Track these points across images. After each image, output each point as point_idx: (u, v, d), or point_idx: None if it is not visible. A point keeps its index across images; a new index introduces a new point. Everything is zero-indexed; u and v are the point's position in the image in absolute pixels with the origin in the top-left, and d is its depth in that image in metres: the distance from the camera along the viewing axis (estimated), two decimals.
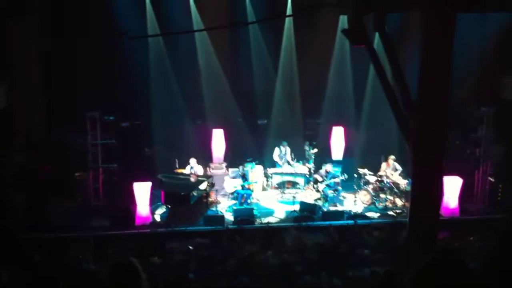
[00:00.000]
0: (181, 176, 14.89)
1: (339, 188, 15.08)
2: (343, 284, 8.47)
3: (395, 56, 7.05)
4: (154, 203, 14.82)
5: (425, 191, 6.25)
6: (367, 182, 15.38)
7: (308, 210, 14.12)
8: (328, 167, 15.24)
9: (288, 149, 16.23)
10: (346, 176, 15.19)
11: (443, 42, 5.99)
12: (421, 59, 6.05)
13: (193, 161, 15.26)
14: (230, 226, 13.19)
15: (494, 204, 14.98)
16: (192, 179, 14.36)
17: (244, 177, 15.13)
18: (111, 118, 14.87)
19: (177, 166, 15.56)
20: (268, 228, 13.06)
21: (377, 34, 7.92)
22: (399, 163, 15.33)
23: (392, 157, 15.33)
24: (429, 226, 6.31)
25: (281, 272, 8.67)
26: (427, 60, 6.02)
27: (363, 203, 15.08)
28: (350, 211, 14.40)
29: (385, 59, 7.43)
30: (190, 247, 10.88)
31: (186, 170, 15.18)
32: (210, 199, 14.96)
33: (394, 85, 6.94)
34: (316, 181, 15.25)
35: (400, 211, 14.50)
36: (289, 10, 16.84)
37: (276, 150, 16.30)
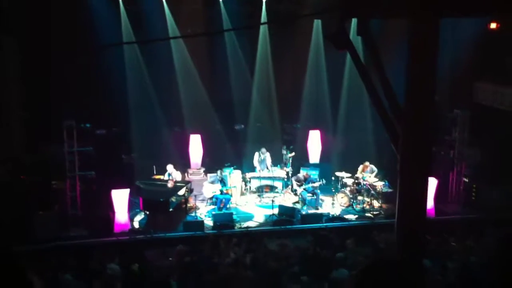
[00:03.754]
0: (159, 183, 14.87)
1: (318, 191, 15.22)
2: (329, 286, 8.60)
3: (380, 61, 7.17)
4: (132, 210, 14.79)
5: (413, 194, 6.40)
6: (344, 185, 15.57)
7: (287, 213, 14.21)
8: (305, 172, 15.42)
9: (268, 155, 16.32)
10: (324, 181, 15.36)
11: (429, 48, 6.14)
12: (407, 65, 6.18)
13: (170, 167, 15.26)
14: (209, 232, 13.27)
15: (468, 204, 15.29)
16: (170, 185, 14.35)
17: (222, 181, 15.18)
18: (87, 125, 14.78)
19: (155, 173, 15.55)
20: (249, 232, 13.11)
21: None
22: (376, 166, 15.61)
23: (367, 162, 15.60)
24: (417, 226, 6.46)
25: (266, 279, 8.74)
26: (413, 66, 6.16)
27: (341, 205, 15.25)
28: (328, 213, 14.53)
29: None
30: (170, 258, 10.88)
31: (165, 177, 15.17)
32: (189, 205, 14.96)
33: (380, 89, 7.07)
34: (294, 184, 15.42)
35: (377, 212, 14.73)
36: (264, 17, 16.99)
37: (256, 155, 16.40)
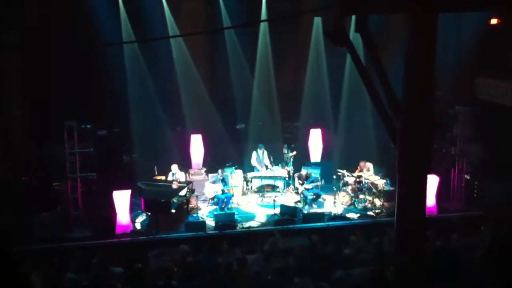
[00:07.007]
0: (161, 183, 14.85)
1: (320, 192, 15.21)
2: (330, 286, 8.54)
3: (378, 57, 7.13)
4: (134, 211, 14.78)
5: (412, 190, 6.37)
6: (346, 184, 15.54)
7: (288, 213, 14.18)
8: (306, 171, 15.41)
9: (266, 152, 16.31)
10: (323, 181, 15.30)
11: (427, 43, 6.12)
12: (405, 60, 6.16)
13: (175, 167, 15.23)
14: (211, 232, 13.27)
15: (470, 201, 15.25)
16: (174, 186, 14.34)
17: (223, 181, 15.16)
18: (88, 126, 14.75)
19: (156, 173, 15.53)
20: (251, 232, 13.09)
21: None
22: (378, 164, 15.58)
23: (362, 163, 15.54)
24: (417, 225, 6.44)
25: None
26: (412, 61, 6.13)
27: (342, 204, 15.22)
28: (330, 212, 14.51)
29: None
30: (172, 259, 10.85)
31: (169, 177, 15.15)
32: (190, 205, 14.94)
33: (378, 86, 7.03)
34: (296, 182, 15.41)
35: (379, 211, 14.70)
36: (264, 15, 16.94)
37: (254, 154, 16.36)
